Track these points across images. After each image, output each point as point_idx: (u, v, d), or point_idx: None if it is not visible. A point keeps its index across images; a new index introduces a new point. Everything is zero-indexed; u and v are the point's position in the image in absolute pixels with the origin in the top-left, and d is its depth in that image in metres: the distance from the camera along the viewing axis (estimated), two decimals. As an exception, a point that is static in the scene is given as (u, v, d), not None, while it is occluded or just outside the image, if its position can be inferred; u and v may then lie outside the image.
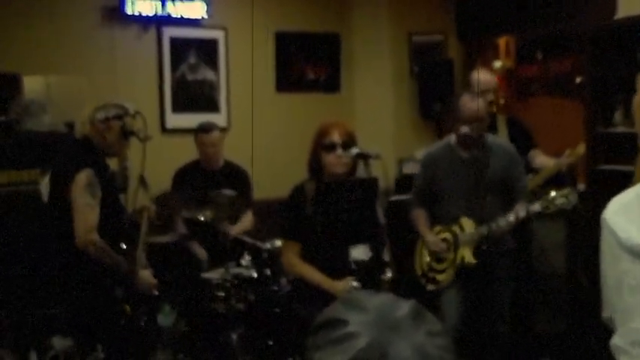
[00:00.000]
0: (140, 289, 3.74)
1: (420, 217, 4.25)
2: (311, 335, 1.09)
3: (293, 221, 3.56)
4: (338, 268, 3.42)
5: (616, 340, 1.41)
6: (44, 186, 4.20)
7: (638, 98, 1.53)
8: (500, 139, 4.25)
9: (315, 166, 3.53)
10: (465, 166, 4.08)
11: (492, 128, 4.63)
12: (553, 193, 3.87)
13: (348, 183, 3.47)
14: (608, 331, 1.51)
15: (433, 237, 4.17)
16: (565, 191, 3.87)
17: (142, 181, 4.23)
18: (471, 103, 4.01)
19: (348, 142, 3.44)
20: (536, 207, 3.89)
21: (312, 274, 3.47)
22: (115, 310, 3.62)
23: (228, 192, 4.45)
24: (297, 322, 3.60)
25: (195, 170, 4.99)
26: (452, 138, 4.18)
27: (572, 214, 4.89)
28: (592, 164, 4.90)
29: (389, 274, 3.43)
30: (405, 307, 1.08)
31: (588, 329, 4.67)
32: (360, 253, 3.45)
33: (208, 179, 4.87)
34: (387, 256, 3.43)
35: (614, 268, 1.42)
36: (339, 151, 3.43)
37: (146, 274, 3.80)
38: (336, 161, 3.43)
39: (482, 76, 4.82)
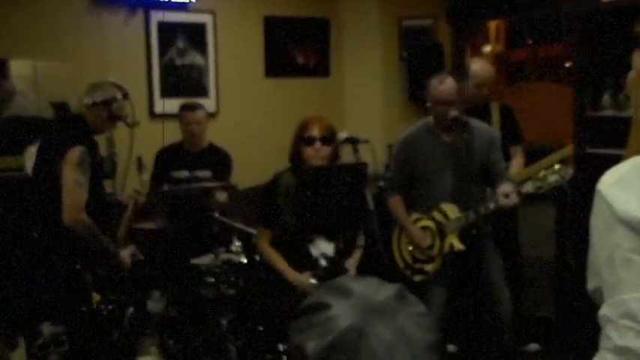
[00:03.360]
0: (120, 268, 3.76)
1: (399, 206, 4.22)
2: (295, 319, 1.10)
3: (266, 209, 3.73)
4: (301, 259, 3.61)
5: (605, 311, 1.41)
6: (29, 156, 4.15)
7: (633, 75, 1.54)
8: (480, 121, 4.21)
9: (295, 158, 3.66)
10: (448, 150, 4.04)
11: (485, 116, 4.61)
12: (543, 172, 3.78)
13: (337, 168, 3.53)
14: (595, 313, 1.51)
15: (417, 230, 4.14)
16: (555, 168, 3.78)
17: (140, 164, 4.24)
18: (439, 86, 4.00)
19: (328, 136, 3.57)
20: (529, 187, 3.80)
21: (279, 263, 3.66)
22: (81, 297, 3.59)
23: (202, 174, 4.51)
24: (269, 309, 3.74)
25: (178, 151, 4.97)
26: (429, 120, 4.14)
27: (561, 199, 4.90)
28: (580, 148, 4.90)
29: (351, 272, 3.59)
30: (388, 290, 1.09)
31: (576, 314, 4.68)
32: (320, 249, 3.58)
33: (190, 160, 4.86)
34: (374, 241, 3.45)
35: (607, 241, 1.41)
36: (318, 144, 3.55)
37: (125, 254, 3.81)
38: (314, 154, 3.56)
39: (480, 68, 4.80)
